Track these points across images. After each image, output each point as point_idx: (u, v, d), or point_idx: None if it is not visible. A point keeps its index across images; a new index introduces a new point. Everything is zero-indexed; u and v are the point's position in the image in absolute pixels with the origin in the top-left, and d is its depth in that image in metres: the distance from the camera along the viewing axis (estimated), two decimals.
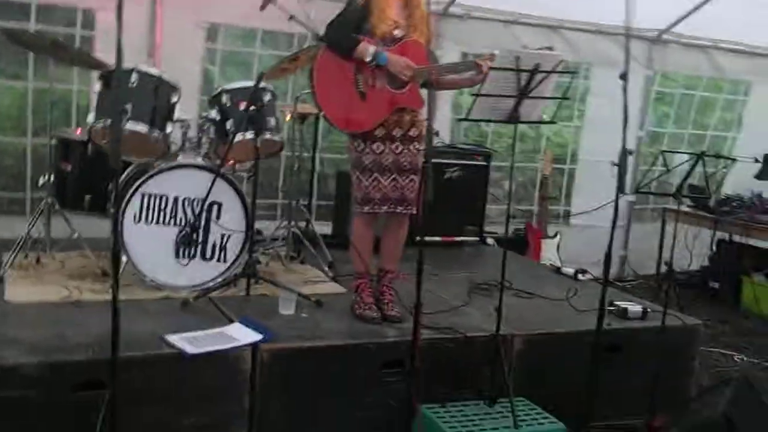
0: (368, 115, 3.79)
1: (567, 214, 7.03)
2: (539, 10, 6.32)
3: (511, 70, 3.31)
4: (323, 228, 5.83)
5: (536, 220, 6.46)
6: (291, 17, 4.56)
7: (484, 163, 5.83)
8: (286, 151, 5.16)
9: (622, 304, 4.41)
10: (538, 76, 3.38)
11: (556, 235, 6.45)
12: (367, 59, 3.71)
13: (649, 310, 4.37)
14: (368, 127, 3.81)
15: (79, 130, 4.56)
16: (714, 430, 3.45)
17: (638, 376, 3.96)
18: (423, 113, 3.92)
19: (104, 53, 4.74)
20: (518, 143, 7.23)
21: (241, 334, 3.45)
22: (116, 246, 2.63)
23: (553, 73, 3.40)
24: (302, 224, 5.17)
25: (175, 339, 3.30)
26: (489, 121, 3.53)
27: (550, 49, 3.45)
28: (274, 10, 4.51)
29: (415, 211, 3.91)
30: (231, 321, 3.69)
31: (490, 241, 6.10)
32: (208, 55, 5.74)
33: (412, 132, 3.87)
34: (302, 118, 4.97)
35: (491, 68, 3.34)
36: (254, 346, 3.36)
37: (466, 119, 3.41)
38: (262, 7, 4.48)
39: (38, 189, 4.54)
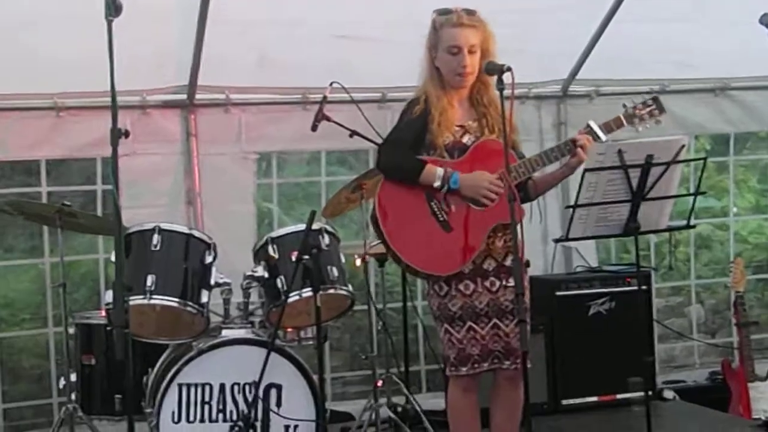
0: (461, 247, 4.09)
1: None
2: (695, 71, 6.57)
3: (615, 168, 3.58)
4: (437, 400, 6.05)
5: (737, 357, 6.43)
6: (352, 134, 5.02)
7: (643, 287, 5.96)
8: (379, 303, 5.56)
9: None
10: (655, 171, 3.62)
11: None
12: (436, 184, 4.04)
13: None
14: (464, 263, 4.09)
15: (103, 312, 5.09)
16: None
17: None
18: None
19: (132, 210, 5.41)
20: (701, 251, 7.44)
21: None
22: None
23: (674, 164, 3.63)
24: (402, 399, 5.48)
25: None
26: (596, 237, 3.77)
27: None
28: (333, 127, 5.01)
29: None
30: None
31: (668, 393, 6.12)
32: (263, 192, 6.29)
33: (509, 261, 4.12)
34: (381, 260, 5.34)
35: (587, 171, 3.60)
36: None
37: (563, 240, 3.66)
38: (314, 127, 4.98)
39: (62, 392, 5.07)
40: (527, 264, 4.10)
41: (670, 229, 3.93)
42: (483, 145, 4.10)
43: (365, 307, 5.53)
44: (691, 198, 3.87)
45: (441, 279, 4.14)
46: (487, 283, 4.12)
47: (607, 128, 3.96)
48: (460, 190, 4.04)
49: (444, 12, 4.11)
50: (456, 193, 4.06)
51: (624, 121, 3.97)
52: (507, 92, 3.72)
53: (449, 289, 4.14)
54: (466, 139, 4.15)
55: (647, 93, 6.57)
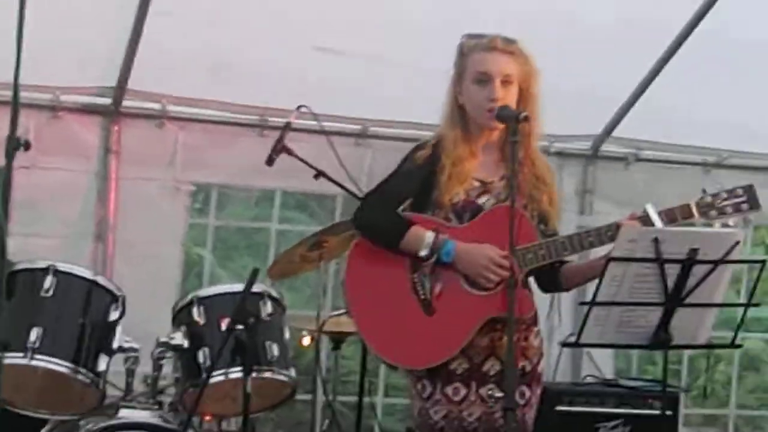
0: (440, 339, 4.04)
1: None
2: (760, 143, 6.61)
3: (649, 260, 3.58)
4: None
5: None
6: (318, 174, 5.02)
7: (668, 412, 5.95)
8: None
9: None
10: (699, 270, 3.63)
11: None
12: (422, 253, 3.99)
13: None
14: (439, 359, 4.05)
15: None
16: None
17: None
18: (537, 328, 4.17)
19: (23, 239, 5.35)
20: (746, 373, 7.39)
21: None
22: None
23: (723, 263, 3.64)
24: None
25: None
26: (615, 346, 3.77)
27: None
28: (294, 162, 5.01)
29: None
30: None
31: None
32: (195, 234, 6.26)
33: (520, 366, 4.05)
34: (336, 340, 5.32)
35: (611, 260, 3.60)
36: None
37: (573, 345, 3.66)
38: (270, 161, 4.98)
39: None
40: (524, 372, 4.08)
41: (711, 347, 3.93)
42: (500, 210, 3.98)
43: (309, 396, 5.50)
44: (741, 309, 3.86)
45: (424, 377, 4.10)
46: (483, 392, 4.07)
47: (670, 217, 3.86)
48: (455, 264, 3.99)
49: (476, 36, 4.09)
50: (449, 266, 4.01)
51: (695, 212, 3.86)
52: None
53: (433, 391, 4.08)
54: (482, 200, 4.09)
55: (699, 165, 6.70)
